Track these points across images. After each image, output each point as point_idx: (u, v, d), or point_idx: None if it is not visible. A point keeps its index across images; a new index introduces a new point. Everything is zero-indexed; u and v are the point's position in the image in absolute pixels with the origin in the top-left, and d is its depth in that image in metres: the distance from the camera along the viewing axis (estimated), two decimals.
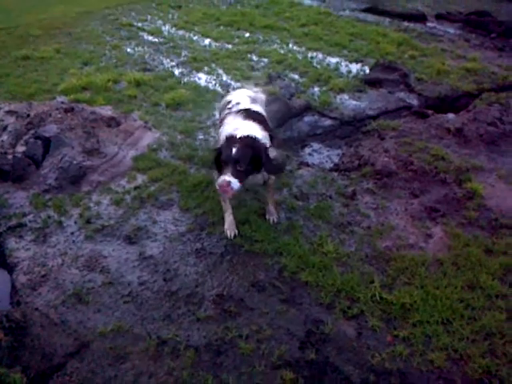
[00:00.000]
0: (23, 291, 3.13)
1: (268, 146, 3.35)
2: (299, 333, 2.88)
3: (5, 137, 4.61)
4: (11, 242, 3.54)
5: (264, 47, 7.50)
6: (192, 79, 6.33)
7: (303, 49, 7.42)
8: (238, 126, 3.37)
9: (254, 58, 7.13)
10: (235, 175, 3.09)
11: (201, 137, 4.95)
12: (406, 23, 8.84)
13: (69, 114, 4.75)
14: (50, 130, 4.42)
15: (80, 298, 3.08)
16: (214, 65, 6.81)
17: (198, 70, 6.64)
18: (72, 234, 3.63)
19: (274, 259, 3.43)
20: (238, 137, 3.23)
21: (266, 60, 7.00)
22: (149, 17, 8.82)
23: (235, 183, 3.08)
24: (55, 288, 3.15)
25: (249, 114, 3.53)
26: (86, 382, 2.58)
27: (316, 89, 6.05)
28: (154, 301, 3.10)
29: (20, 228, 3.66)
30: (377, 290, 3.11)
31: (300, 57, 7.07)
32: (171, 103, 5.57)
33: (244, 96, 3.86)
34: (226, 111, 3.71)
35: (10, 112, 5.10)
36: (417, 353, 2.74)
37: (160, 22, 8.64)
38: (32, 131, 4.52)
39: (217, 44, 7.66)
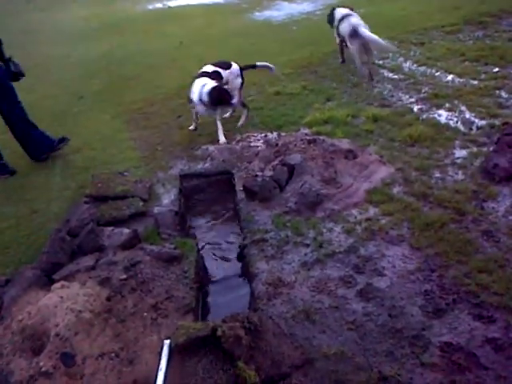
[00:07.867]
0: (260, 300, 3.50)
1: None
2: None
3: (256, 161, 5.30)
4: (254, 254, 4.01)
5: None
6: (431, 116, 6.16)
7: None
8: None
9: (504, 94, 6.55)
10: None
11: (437, 175, 4.76)
12: None
13: (311, 145, 5.17)
14: (295, 158, 4.88)
15: (308, 315, 3.28)
16: (456, 101, 6.49)
17: (439, 106, 6.43)
18: (305, 254, 3.92)
19: None
20: None
21: None
22: (390, 54, 8.97)
23: None
24: (287, 302, 3.43)
25: None
26: None
27: None
28: (377, 334, 3.10)
29: (262, 242, 4.11)
30: None
31: None
32: (408, 139, 5.53)
33: None
34: None
35: (262, 140, 5.84)
36: None
37: (401, 58, 8.69)
38: (279, 158, 5.08)
39: (460, 80, 7.30)
